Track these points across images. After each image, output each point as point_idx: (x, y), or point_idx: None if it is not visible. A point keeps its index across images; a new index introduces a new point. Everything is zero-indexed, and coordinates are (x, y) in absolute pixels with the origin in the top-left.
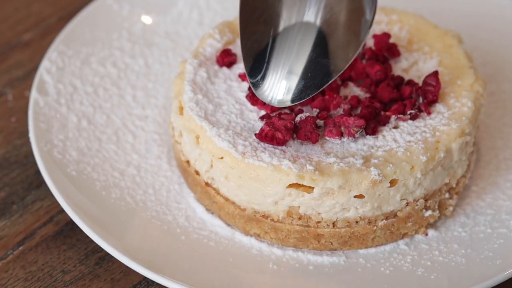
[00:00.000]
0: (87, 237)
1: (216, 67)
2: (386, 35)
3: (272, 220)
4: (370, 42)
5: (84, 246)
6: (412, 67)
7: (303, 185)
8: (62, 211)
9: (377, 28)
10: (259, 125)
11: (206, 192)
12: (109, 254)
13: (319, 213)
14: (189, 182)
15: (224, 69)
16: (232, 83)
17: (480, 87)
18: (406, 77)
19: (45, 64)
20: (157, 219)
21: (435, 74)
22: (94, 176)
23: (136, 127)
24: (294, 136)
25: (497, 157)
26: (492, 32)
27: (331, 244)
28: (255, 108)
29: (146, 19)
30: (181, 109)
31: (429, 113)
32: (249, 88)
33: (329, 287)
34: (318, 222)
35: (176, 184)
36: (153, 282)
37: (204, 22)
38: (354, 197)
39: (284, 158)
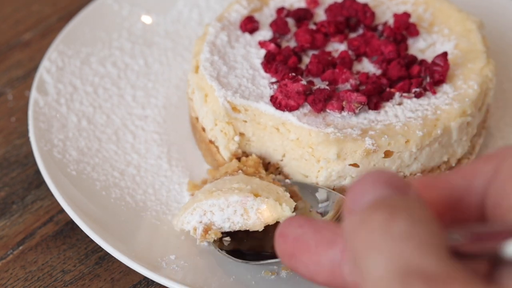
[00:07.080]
0: (87, 237)
1: (239, 32)
2: (406, 15)
3: None
4: (390, 21)
5: (84, 246)
6: (429, 48)
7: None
8: (62, 211)
9: (402, 7)
10: (268, 91)
11: (209, 149)
12: (109, 254)
13: (317, 183)
14: (197, 139)
15: (246, 35)
16: (251, 49)
17: (490, 72)
18: (422, 58)
19: (45, 64)
20: (157, 219)
21: (444, 55)
22: (94, 176)
23: (136, 127)
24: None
25: None
26: (492, 31)
27: None
28: (267, 75)
29: (146, 19)
30: (196, 67)
31: (434, 93)
32: (265, 56)
33: None
34: None
35: (176, 184)
36: (153, 282)
37: (204, 21)
38: (349, 165)
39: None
